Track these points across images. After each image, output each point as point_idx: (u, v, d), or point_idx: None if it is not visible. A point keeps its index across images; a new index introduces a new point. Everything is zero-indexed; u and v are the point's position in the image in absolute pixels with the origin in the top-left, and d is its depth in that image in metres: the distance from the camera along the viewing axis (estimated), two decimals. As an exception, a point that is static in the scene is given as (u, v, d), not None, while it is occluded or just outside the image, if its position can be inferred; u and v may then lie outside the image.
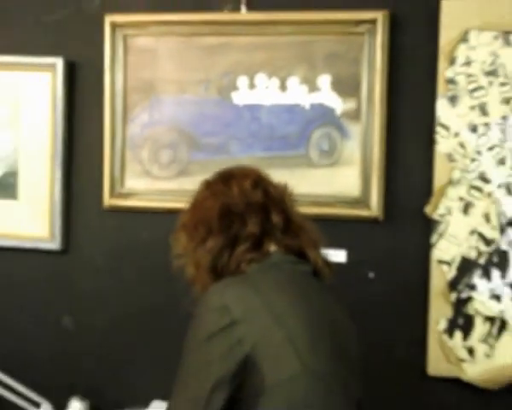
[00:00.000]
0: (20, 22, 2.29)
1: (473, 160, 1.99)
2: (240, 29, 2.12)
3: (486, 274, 1.99)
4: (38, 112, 2.26)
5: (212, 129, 2.16)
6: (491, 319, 1.99)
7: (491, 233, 1.98)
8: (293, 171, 2.04)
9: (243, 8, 2.12)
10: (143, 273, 2.22)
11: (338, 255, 2.01)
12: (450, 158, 2.00)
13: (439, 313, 2.01)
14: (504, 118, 1.98)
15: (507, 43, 1.96)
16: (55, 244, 2.25)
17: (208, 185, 1.56)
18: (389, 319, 2.06)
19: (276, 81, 2.11)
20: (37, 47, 2.26)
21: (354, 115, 2.07)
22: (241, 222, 1.47)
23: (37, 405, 2.04)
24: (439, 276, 2.01)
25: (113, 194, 2.21)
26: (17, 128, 2.29)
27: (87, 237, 2.27)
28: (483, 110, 1.98)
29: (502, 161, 1.97)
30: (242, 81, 2.13)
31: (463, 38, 1.98)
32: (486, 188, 1.99)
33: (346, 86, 2.07)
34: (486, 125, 1.98)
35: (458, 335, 2.01)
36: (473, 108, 1.98)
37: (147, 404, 2.07)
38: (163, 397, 1.97)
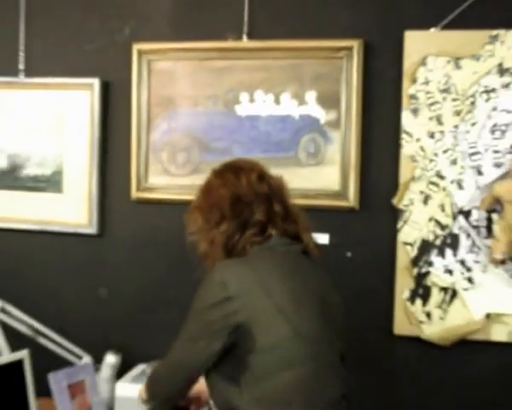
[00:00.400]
0: (66, 50, 2.39)
1: (431, 160, 2.09)
2: (242, 54, 2.21)
3: (441, 253, 2.10)
4: (79, 123, 2.36)
5: (220, 135, 2.24)
6: (444, 289, 2.09)
7: (445, 220, 2.08)
8: (285, 169, 2.03)
9: (245, 38, 2.22)
10: (162, 252, 2.31)
11: (322, 238, 2.07)
12: (412, 159, 2.09)
13: (404, 284, 2.11)
14: (456, 126, 2.07)
15: (457, 66, 2.06)
16: (92, 229, 2.37)
17: (220, 175, 1.60)
18: (363, 289, 2.15)
19: (271, 96, 2.20)
20: (79, 70, 2.36)
21: (335, 124, 2.15)
22: (249, 210, 1.52)
23: (79, 357, 2.14)
24: (404, 255, 2.12)
25: (139, 188, 2.31)
26: (62, 136, 2.37)
27: (118, 224, 2.37)
28: (439, 120, 2.08)
29: (454, 162, 2.08)
30: (244, 96, 2.23)
31: (423, 63, 2.07)
32: (442, 183, 2.08)
33: (329, 101, 2.15)
34: (442, 132, 2.08)
35: (418, 302, 2.11)
36: (431, 118, 2.08)
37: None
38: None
